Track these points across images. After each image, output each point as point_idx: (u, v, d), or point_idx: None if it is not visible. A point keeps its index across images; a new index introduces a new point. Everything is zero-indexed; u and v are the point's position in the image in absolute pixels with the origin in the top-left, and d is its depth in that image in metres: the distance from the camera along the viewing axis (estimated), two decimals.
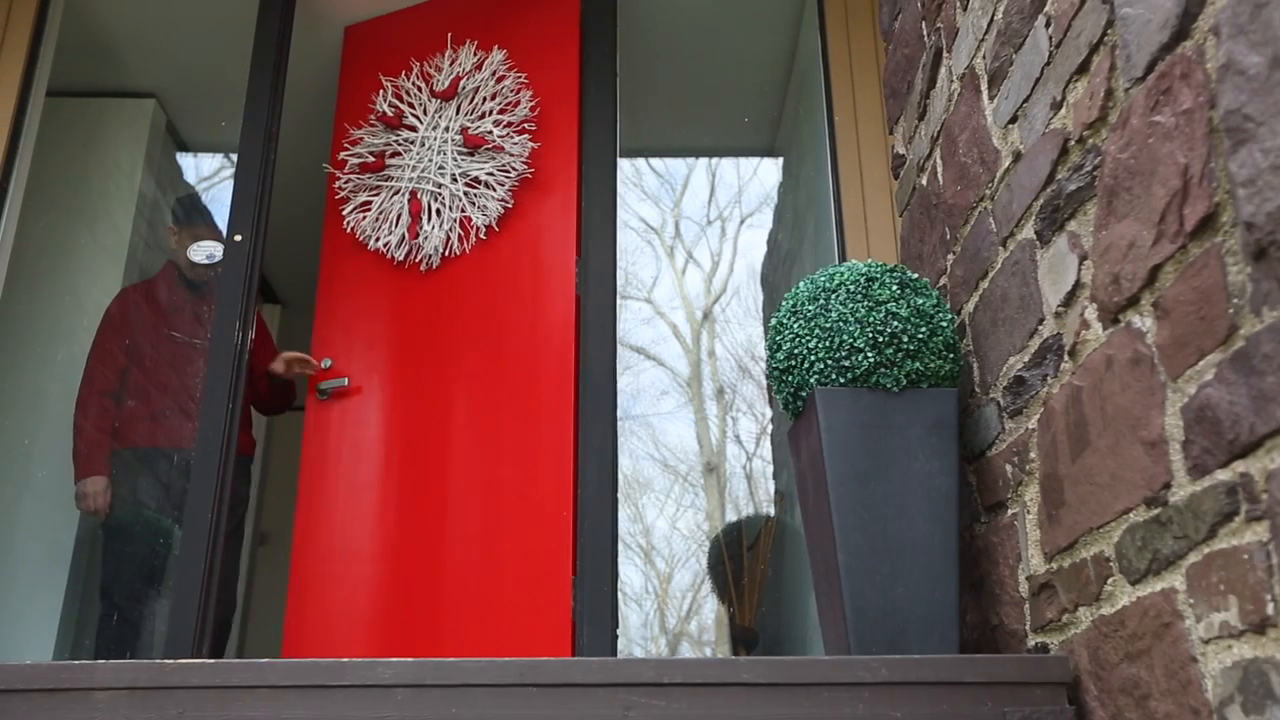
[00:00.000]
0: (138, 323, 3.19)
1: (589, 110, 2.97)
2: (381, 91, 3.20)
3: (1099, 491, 1.32)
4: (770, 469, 4.09)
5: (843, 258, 2.84)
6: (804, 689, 1.36)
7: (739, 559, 3.49)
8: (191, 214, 3.55)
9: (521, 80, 3.06)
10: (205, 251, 2.81)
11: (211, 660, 1.33)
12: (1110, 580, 1.30)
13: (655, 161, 4.52)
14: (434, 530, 2.71)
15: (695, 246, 4.31)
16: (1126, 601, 1.26)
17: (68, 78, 3.29)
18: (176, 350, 3.15)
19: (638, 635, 4.14)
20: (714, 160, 4.45)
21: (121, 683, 1.32)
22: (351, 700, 1.33)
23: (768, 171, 4.36)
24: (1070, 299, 1.43)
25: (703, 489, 4.33)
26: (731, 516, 4.07)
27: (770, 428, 4.17)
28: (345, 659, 1.36)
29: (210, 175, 3.98)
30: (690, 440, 4.35)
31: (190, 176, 4.01)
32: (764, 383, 4.28)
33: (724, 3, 3.54)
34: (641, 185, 4.55)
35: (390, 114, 3.14)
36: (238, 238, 2.80)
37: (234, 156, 2.99)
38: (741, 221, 4.47)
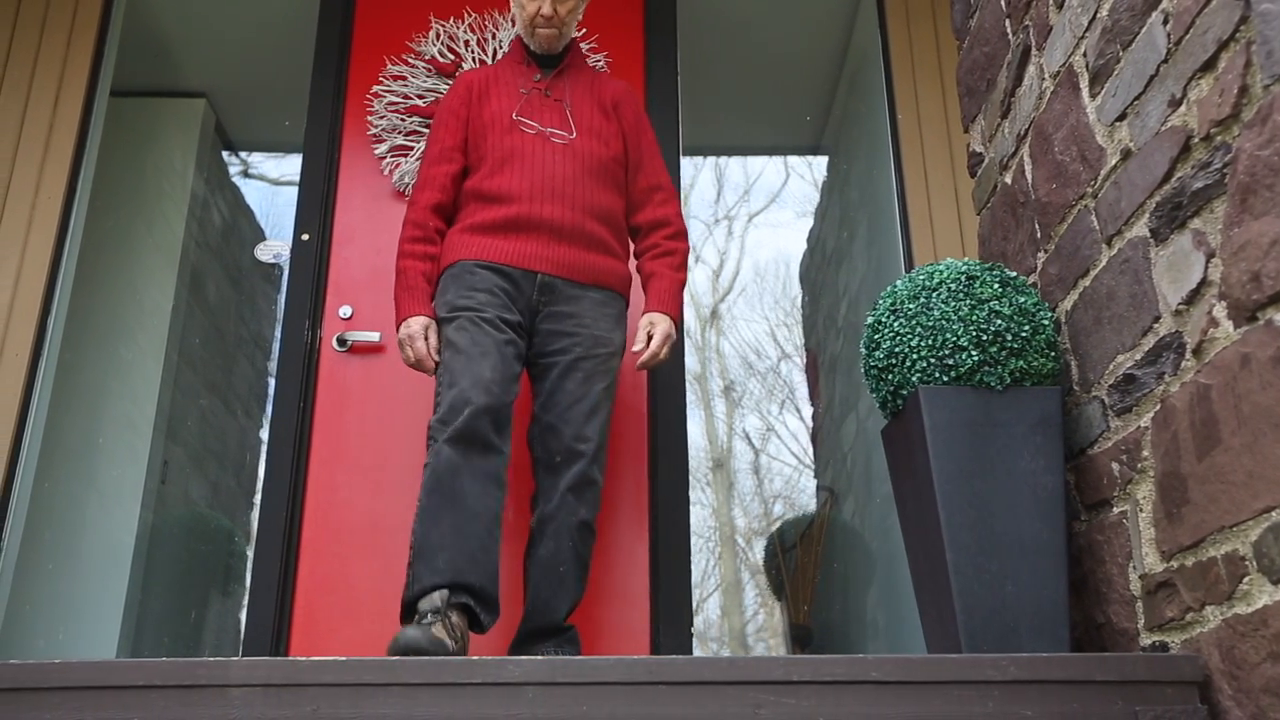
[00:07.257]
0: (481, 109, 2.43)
1: (652, 111, 2.97)
2: (431, 34, 3.02)
3: (1232, 490, 1.32)
4: (775, 465, 4.09)
5: (908, 257, 2.84)
6: (933, 687, 1.36)
7: (793, 557, 3.49)
8: None
9: (604, 63, 2.99)
10: (271, 251, 2.81)
11: (344, 658, 1.33)
12: (1246, 579, 1.29)
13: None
14: None
15: (702, 244, 4.31)
16: (1267, 601, 1.25)
17: (123, 78, 3.30)
18: (530, 144, 2.36)
19: None
20: (721, 159, 4.44)
21: (255, 680, 1.32)
22: (483, 698, 1.33)
23: (776, 168, 4.35)
24: (1194, 297, 1.42)
25: (710, 485, 4.34)
26: (738, 513, 4.08)
27: (810, 425, 4.16)
28: (475, 657, 1.37)
29: (258, 175, 3.99)
30: (699, 437, 4.35)
31: (235, 175, 4.02)
32: (769, 380, 4.28)
33: (774, 1, 3.54)
34: None
35: (443, 61, 2.99)
36: (305, 236, 2.81)
37: (260, 156, 2.91)
38: (750, 219, 4.47)
